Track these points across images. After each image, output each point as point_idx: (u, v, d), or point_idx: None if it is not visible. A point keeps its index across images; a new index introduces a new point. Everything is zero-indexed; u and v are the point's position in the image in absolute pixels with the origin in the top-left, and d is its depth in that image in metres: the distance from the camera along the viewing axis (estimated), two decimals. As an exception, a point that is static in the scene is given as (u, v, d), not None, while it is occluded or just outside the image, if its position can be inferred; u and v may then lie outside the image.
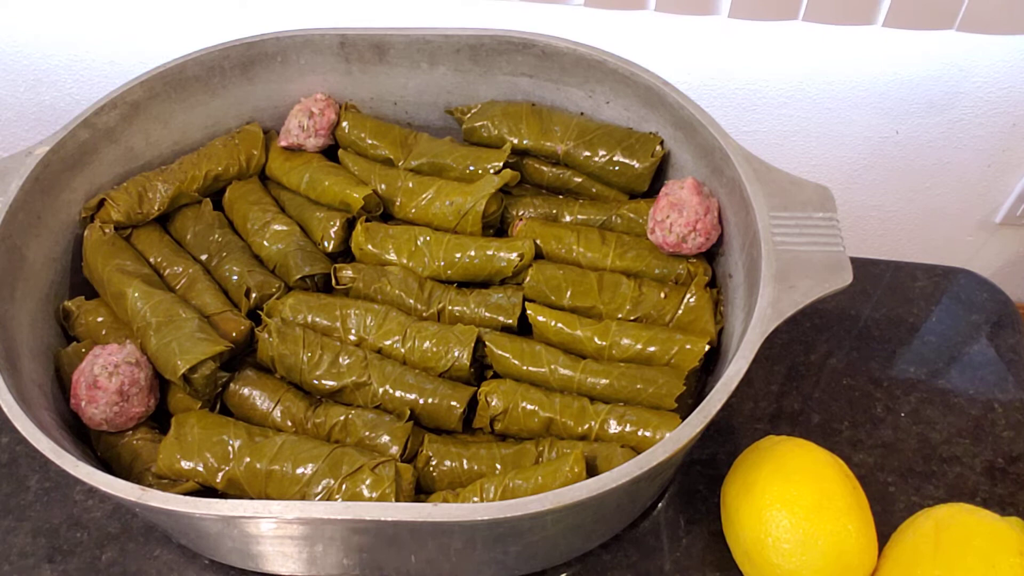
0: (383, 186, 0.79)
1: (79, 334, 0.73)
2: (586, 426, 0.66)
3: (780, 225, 0.65)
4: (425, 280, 0.75)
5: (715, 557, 0.69)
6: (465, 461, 0.66)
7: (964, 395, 0.78)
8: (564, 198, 0.80)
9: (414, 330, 0.70)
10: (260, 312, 0.72)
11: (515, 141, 0.79)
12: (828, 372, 0.80)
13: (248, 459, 0.64)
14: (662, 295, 0.71)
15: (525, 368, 0.69)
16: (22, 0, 1.01)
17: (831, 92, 1.03)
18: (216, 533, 0.61)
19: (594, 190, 0.80)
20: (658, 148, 0.76)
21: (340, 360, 0.69)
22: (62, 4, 1.01)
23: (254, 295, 0.73)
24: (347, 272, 0.75)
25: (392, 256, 0.76)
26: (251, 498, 0.63)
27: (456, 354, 0.69)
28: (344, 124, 0.82)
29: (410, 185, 0.78)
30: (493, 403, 0.68)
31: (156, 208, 0.77)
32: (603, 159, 0.77)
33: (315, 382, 0.69)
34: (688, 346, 0.68)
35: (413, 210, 0.78)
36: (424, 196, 0.77)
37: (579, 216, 0.78)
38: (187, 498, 0.55)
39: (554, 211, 0.79)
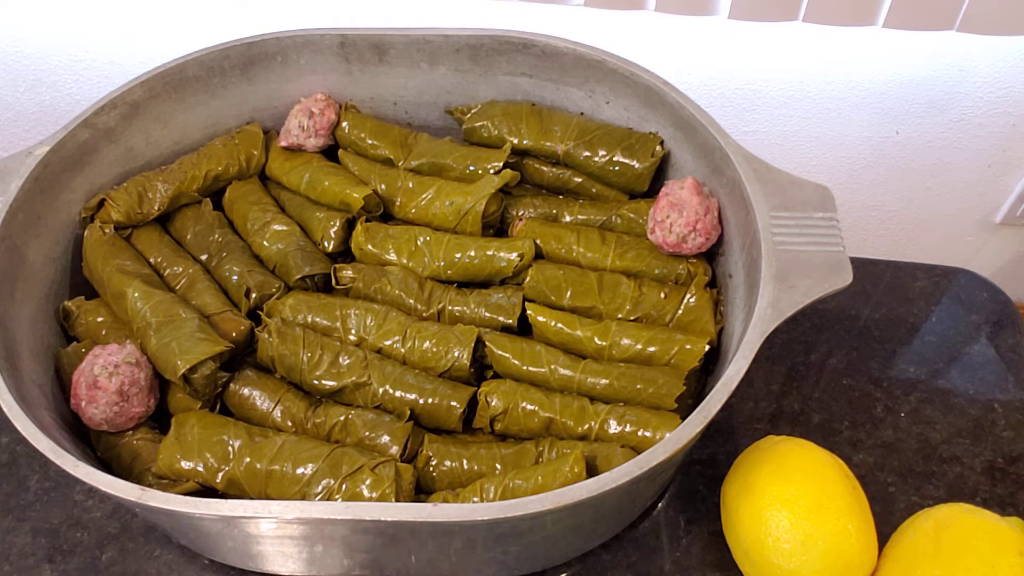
0: (383, 186, 0.79)
1: (79, 334, 0.73)
2: (586, 426, 0.66)
3: (780, 225, 0.65)
4: (425, 280, 0.75)
5: (715, 557, 0.69)
6: (465, 461, 0.66)
7: (964, 395, 0.78)
8: (564, 198, 0.80)
9: (414, 330, 0.70)
10: (260, 312, 0.72)
11: (515, 141, 0.79)
12: (828, 372, 0.80)
13: (248, 459, 0.64)
14: (662, 295, 0.71)
15: (525, 368, 0.69)
16: (22, 0, 1.01)
17: (831, 92, 1.03)
18: (216, 533, 0.61)
19: (594, 190, 0.80)
20: (658, 148, 0.76)
21: (340, 360, 0.69)
22: (62, 4, 1.01)
23: (254, 295, 0.73)
24: (347, 272, 0.75)
25: (392, 256, 0.76)
26: (251, 498, 0.63)
27: (456, 354, 0.69)
28: (344, 124, 0.82)
29: (410, 185, 0.78)
30: (493, 403, 0.68)
31: (156, 208, 0.77)
32: (603, 159, 0.77)
33: (315, 382, 0.69)
34: (688, 346, 0.68)
35: (413, 210, 0.78)
36: (424, 196, 0.77)
37: (579, 216, 0.78)
38: (187, 498, 0.55)
39: (554, 211, 0.79)
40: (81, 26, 1.03)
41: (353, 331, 0.71)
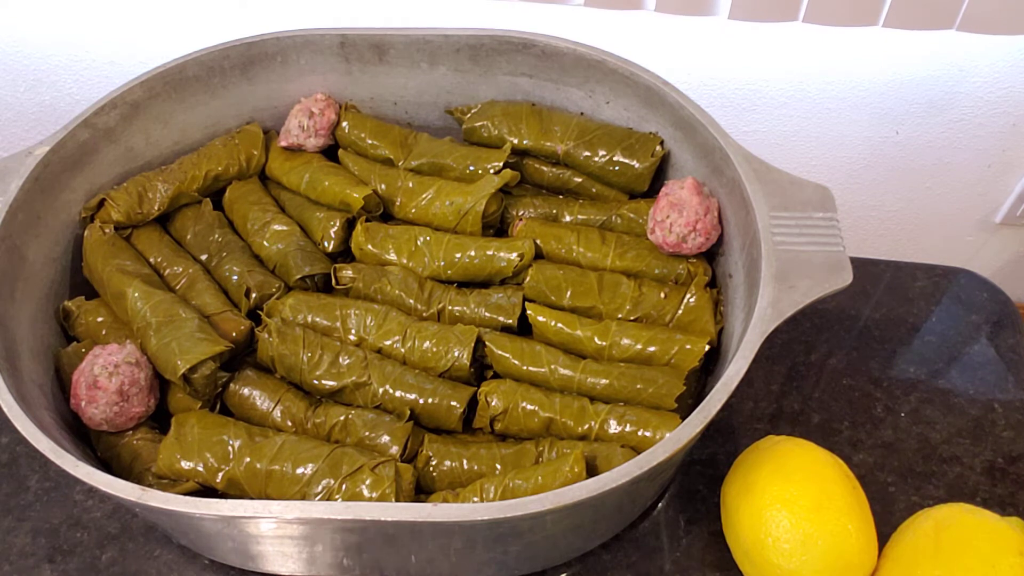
0: (383, 186, 0.79)
1: (79, 334, 0.73)
2: (586, 426, 0.66)
3: (780, 225, 0.65)
4: (425, 280, 0.75)
5: (715, 557, 0.69)
6: (465, 461, 0.66)
7: (964, 395, 0.78)
8: (564, 198, 0.80)
9: (414, 330, 0.70)
10: (260, 312, 0.72)
11: (515, 141, 0.79)
12: (828, 372, 0.80)
13: (248, 459, 0.64)
14: (662, 295, 0.71)
15: (525, 368, 0.69)
16: (22, 0, 1.01)
17: (831, 92, 1.03)
18: (216, 533, 0.61)
19: (594, 190, 0.80)
20: (658, 148, 0.76)
21: (340, 360, 0.69)
22: (62, 4, 1.01)
23: (254, 295, 0.73)
24: (347, 272, 0.75)
25: (392, 256, 0.76)
26: (251, 498, 0.63)
27: (456, 354, 0.69)
28: (344, 124, 0.82)
29: (410, 185, 0.78)
30: (493, 403, 0.68)
31: (156, 208, 0.77)
32: (603, 159, 0.77)
33: (315, 382, 0.69)
34: (688, 346, 0.68)
35: (413, 210, 0.78)
36: (424, 196, 0.77)
37: (579, 216, 0.78)
38: (187, 498, 0.55)
39: (554, 211, 0.79)
40: (81, 26, 1.03)
41: (353, 331, 0.71)
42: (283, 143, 0.82)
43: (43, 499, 0.72)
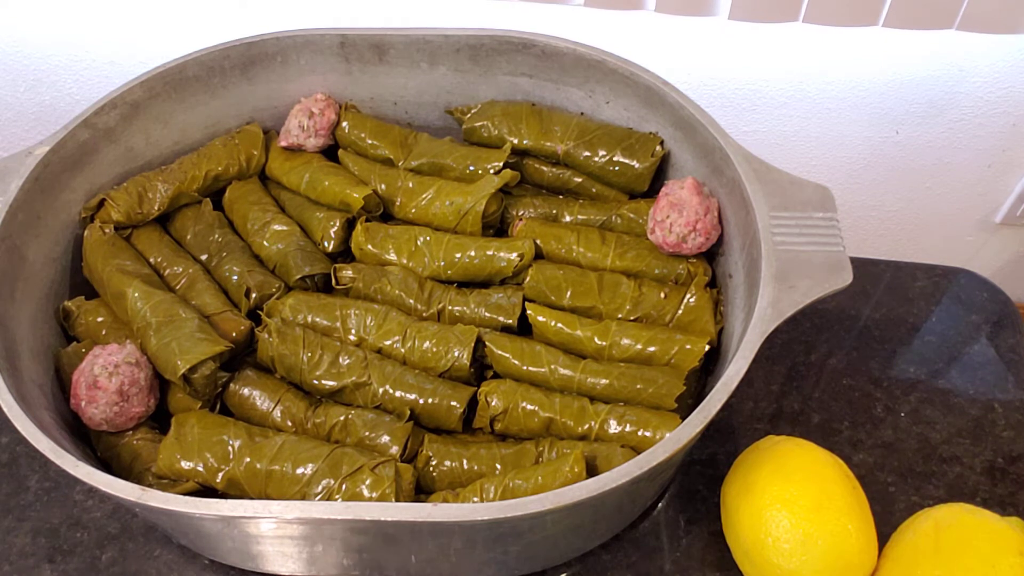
0: (383, 186, 0.79)
1: (79, 334, 0.73)
2: (586, 426, 0.66)
3: (780, 225, 0.65)
4: (425, 280, 0.75)
5: (715, 557, 0.69)
6: (465, 461, 0.66)
7: (964, 395, 0.78)
8: (564, 198, 0.80)
9: (414, 330, 0.70)
10: (260, 312, 0.72)
11: (515, 141, 0.79)
12: (828, 372, 0.80)
13: (248, 459, 0.64)
14: (662, 295, 0.71)
15: (525, 368, 0.69)
16: (22, 0, 1.01)
17: (831, 92, 1.03)
18: (216, 533, 0.61)
19: (594, 190, 0.80)
20: (658, 148, 0.76)
21: (340, 360, 0.69)
22: (62, 4, 1.01)
23: (254, 295, 0.73)
24: (347, 272, 0.75)
25: (392, 256, 0.76)
26: (251, 498, 0.63)
27: (456, 354, 0.69)
28: (344, 124, 0.82)
29: (410, 185, 0.78)
30: (493, 403, 0.68)
31: (156, 208, 0.77)
32: (603, 159, 0.77)
33: (315, 382, 0.69)
34: (688, 346, 0.68)
35: (413, 210, 0.78)
36: (424, 196, 0.77)
37: (579, 216, 0.78)
38: (187, 498, 0.55)
39: (554, 211, 0.79)
40: (81, 26, 1.03)
41: (353, 331, 0.71)
42: (283, 143, 0.82)
43: (43, 499, 0.72)
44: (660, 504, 0.72)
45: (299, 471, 0.62)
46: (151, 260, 0.76)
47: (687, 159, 0.75)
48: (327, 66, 0.81)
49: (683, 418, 0.58)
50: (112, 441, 0.67)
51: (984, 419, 0.77)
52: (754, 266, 0.64)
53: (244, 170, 0.81)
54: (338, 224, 0.77)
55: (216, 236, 0.77)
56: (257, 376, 0.70)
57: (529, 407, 0.67)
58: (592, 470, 0.61)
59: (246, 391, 0.69)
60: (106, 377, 0.65)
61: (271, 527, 0.57)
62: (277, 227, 0.77)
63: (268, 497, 0.63)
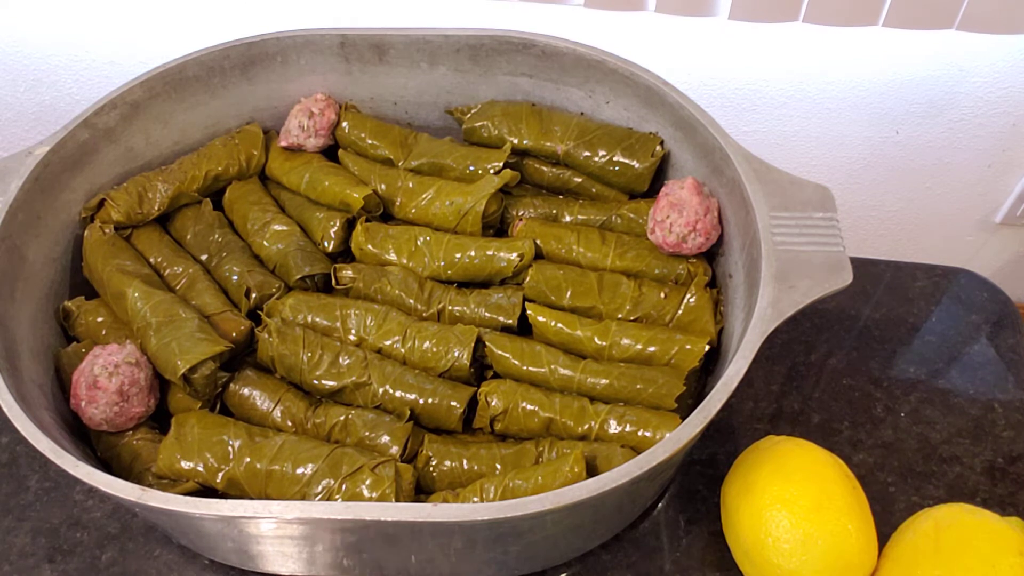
0: (383, 186, 0.79)
1: (79, 334, 0.73)
2: (586, 426, 0.66)
3: (780, 225, 0.65)
4: (425, 280, 0.75)
5: (715, 557, 0.69)
6: (465, 461, 0.66)
7: (964, 395, 0.78)
8: (564, 198, 0.80)
9: (414, 330, 0.70)
10: (260, 312, 0.72)
11: (515, 141, 0.79)
12: (828, 372, 0.80)
13: (248, 459, 0.64)
14: (662, 295, 0.71)
15: (525, 368, 0.69)
16: (22, 0, 1.01)
17: (831, 92, 1.03)
18: (216, 533, 0.61)
19: (594, 190, 0.80)
20: (658, 148, 0.76)
21: (340, 360, 0.69)
22: (62, 4, 1.01)
23: (254, 295, 0.73)
24: (347, 272, 0.75)
25: (392, 256, 0.76)
26: (251, 498, 0.63)
27: (456, 354, 0.69)
28: (344, 124, 0.82)
29: (410, 185, 0.78)
30: (493, 403, 0.68)
31: (156, 208, 0.77)
32: (603, 159, 0.77)
33: (315, 382, 0.69)
34: (688, 346, 0.68)
35: (413, 210, 0.78)
36: (424, 196, 0.77)
37: (579, 216, 0.78)
38: (187, 498, 0.55)
39: (554, 211, 0.79)
40: (81, 26, 1.03)
41: (353, 331, 0.71)
42: (283, 143, 0.82)
43: (43, 499, 0.72)
44: (660, 504, 0.72)
45: (299, 471, 0.62)
46: (151, 260, 0.76)
47: (687, 159, 0.75)
48: (327, 66, 0.81)
49: (683, 418, 0.58)
50: (112, 441, 0.67)
51: (984, 419, 0.77)
52: (754, 266, 0.64)
53: (244, 170, 0.81)
54: (338, 224, 0.77)
55: (216, 236, 0.77)
56: (257, 376, 0.70)
57: (529, 407, 0.67)
58: (592, 470, 0.61)
59: (246, 391, 0.69)
60: (106, 377, 0.65)
61: (271, 527, 0.57)
62: (277, 227, 0.77)
63: (268, 497, 0.63)
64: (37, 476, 0.74)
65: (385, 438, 0.66)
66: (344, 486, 0.61)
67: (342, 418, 0.67)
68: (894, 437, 0.76)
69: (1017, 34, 0.92)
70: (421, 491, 0.66)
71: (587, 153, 0.77)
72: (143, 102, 0.77)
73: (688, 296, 0.71)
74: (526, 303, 0.72)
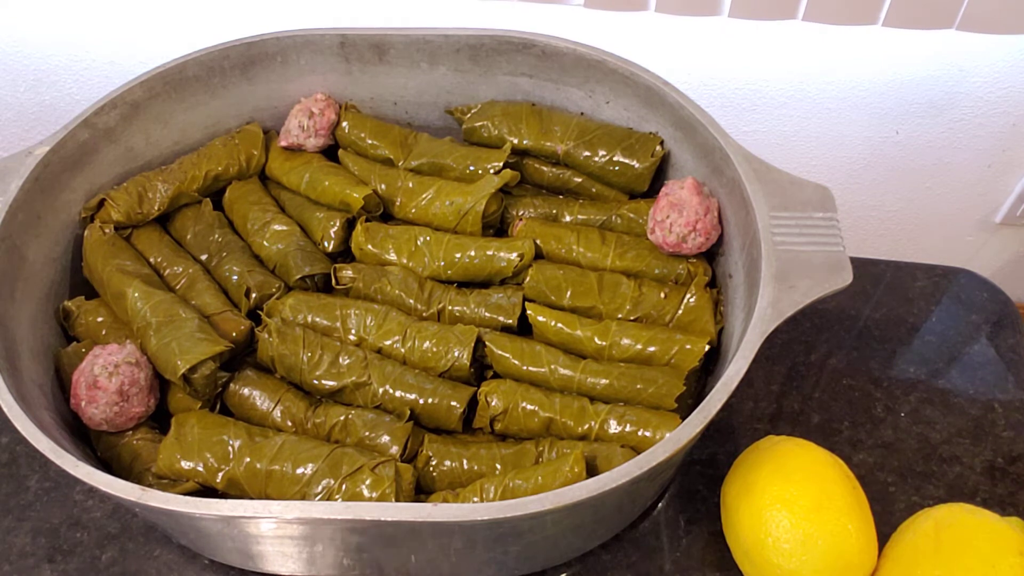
0: (383, 186, 0.79)
1: (79, 334, 0.73)
2: (586, 426, 0.66)
3: (780, 225, 0.65)
4: (425, 280, 0.75)
5: (715, 557, 0.69)
6: (465, 461, 0.66)
7: (964, 395, 0.78)
8: (564, 198, 0.80)
9: (414, 330, 0.70)
10: (260, 312, 0.72)
11: (515, 141, 0.79)
12: (828, 372, 0.80)
13: (248, 459, 0.64)
14: (662, 295, 0.71)
15: (525, 368, 0.69)
16: (22, 0, 1.01)
17: (831, 92, 1.03)
18: (216, 533, 0.61)
19: (594, 190, 0.80)
20: (658, 148, 0.76)
21: (340, 360, 0.69)
22: (62, 4, 1.01)
23: (254, 295, 0.73)
24: (347, 272, 0.75)
25: (392, 256, 0.76)
26: (251, 498, 0.63)
27: (456, 354, 0.69)
28: (344, 124, 0.82)
29: (410, 185, 0.78)
30: (493, 403, 0.68)
31: (156, 208, 0.77)
32: (603, 159, 0.77)
33: (315, 382, 0.69)
34: (688, 346, 0.68)
35: (413, 210, 0.78)
36: (424, 196, 0.77)
37: (579, 216, 0.78)
38: (187, 498, 0.55)
39: (554, 211, 0.79)
40: (81, 26, 1.03)
41: (353, 331, 0.71)
42: (283, 143, 0.82)
43: (43, 499, 0.72)
44: (660, 504, 0.72)
45: (299, 471, 0.62)
46: (151, 260, 0.76)
47: (687, 159, 0.75)
48: (327, 66, 0.81)
49: (683, 418, 0.58)
50: (112, 441, 0.67)
51: (984, 419, 0.77)
52: (754, 266, 0.64)
53: (244, 170, 0.81)
54: (338, 224, 0.77)
55: (216, 236, 0.77)
56: (257, 376, 0.70)
57: (529, 407, 0.67)
58: (592, 470, 0.61)
59: (246, 391, 0.69)
60: (106, 377, 0.65)
61: (271, 527, 0.57)
62: (277, 227, 0.77)
63: (268, 497, 0.63)
64: (37, 476, 0.74)
65: (385, 438, 0.66)
66: (344, 486, 0.61)
67: (342, 418, 0.67)
68: (894, 437, 0.76)
69: (1017, 34, 0.92)
70: (421, 491, 0.66)
71: (587, 153, 0.77)
72: (143, 102, 0.77)
73: (688, 296, 0.71)
74: (526, 303, 0.72)
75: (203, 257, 0.77)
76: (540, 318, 0.71)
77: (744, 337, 0.59)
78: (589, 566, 0.69)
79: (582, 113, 0.80)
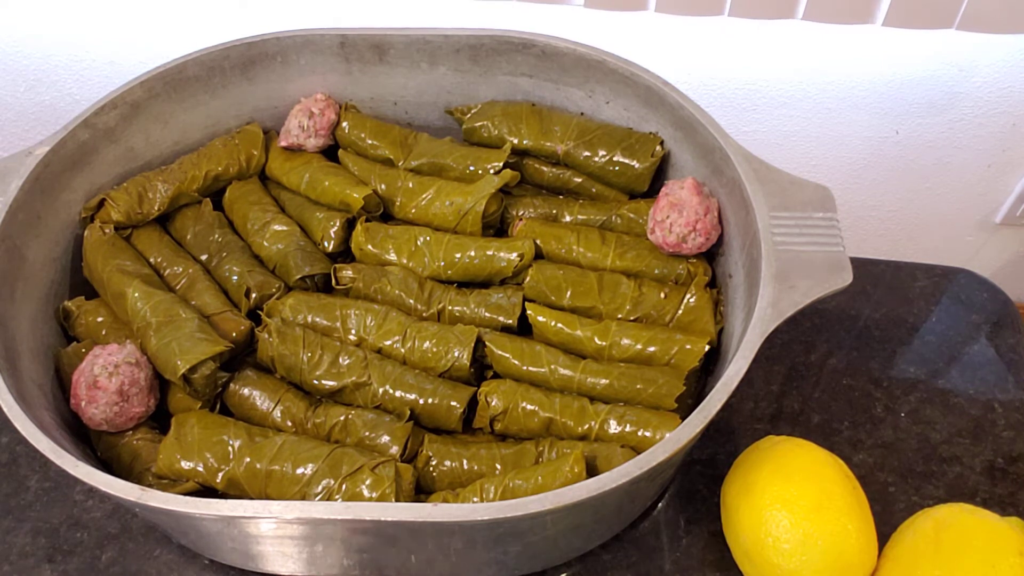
0: (383, 186, 0.79)
1: (79, 334, 0.73)
2: (586, 426, 0.66)
3: (780, 225, 0.65)
4: (425, 280, 0.75)
5: (715, 557, 0.69)
6: (465, 461, 0.66)
7: (964, 395, 0.78)
8: (564, 198, 0.80)
9: (414, 330, 0.70)
10: (260, 312, 0.72)
11: (515, 141, 0.79)
12: (828, 372, 0.80)
13: (248, 459, 0.64)
14: (662, 295, 0.71)
15: (525, 368, 0.69)
16: (22, 0, 1.01)
17: (831, 92, 1.03)
18: (216, 533, 0.61)
19: (594, 190, 0.80)
20: (658, 148, 0.76)
21: (340, 360, 0.69)
22: (62, 4, 1.01)
23: (254, 295, 0.73)
24: (347, 272, 0.75)
25: (392, 256, 0.76)
26: (251, 498, 0.63)
27: (456, 354, 0.69)
28: (344, 124, 0.82)
29: (410, 185, 0.78)
30: (493, 403, 0.68)
31: (156, 208, 0.77)
32: (603, 159, 0.77)
33: (315, 382, 0.69)
34: (688, 346, 0.68)
35: (413, 210, 0.78)
36: (424, 196, 0.77)
37: (579, 216, 0.78)
38: (187, 498, 0.55)
39: (554, 211, 0.79)
40: (81, 26, 1.03)
41: (353, 331, 0.71)
42: (283, 143, 0.82)
43: (43, 499, 0.72)
44: (660, 504, 0.72)
45: (299, 471, 0.62)
46: (151, 260, 0.76)
47: (687, 159, 0.75)
48: (327, 66, 0.81)
49: (683, 418, 0.58)
50: (112, 441, 0.67)
51: (984, 419, 0.77)
52: (754, 266, 0.64)
53: (244, 170, 0.81)
54: (338, 224, 0.77)
55: (216, 236, 0.77)
56: (257, 376, 0.70)
57: (529, 407, 0.67)
58: (592, 470, 0.61)
59: (246, 391, 0.69)
60: (106, 377, 0.65)
61: (271, 527, 0.57)
62: (277, 227, 0.77)
63: (268, 497, 0.63)
64: (37, 476, 0.74)
65: (385, 438, 0.66)
66: (344, 486, 0.61)
67: (342, 418, 0.67)
68: (894, 437, 0.76)
69: (1017, 34, 0.92)
70: (421, 491, 0.66)
71: (587, 153, 0.77)
72: (143, 102, 0.77)
73: (688, 296, 0.71)
74: (526, 303, 0.72)
75: (203, 257, 0.77)
76: (540, 318, 0.71)
77: (744, 337, 0.59)
78: (589, 566, 0.69)
79: (582, 113, 0.80)
